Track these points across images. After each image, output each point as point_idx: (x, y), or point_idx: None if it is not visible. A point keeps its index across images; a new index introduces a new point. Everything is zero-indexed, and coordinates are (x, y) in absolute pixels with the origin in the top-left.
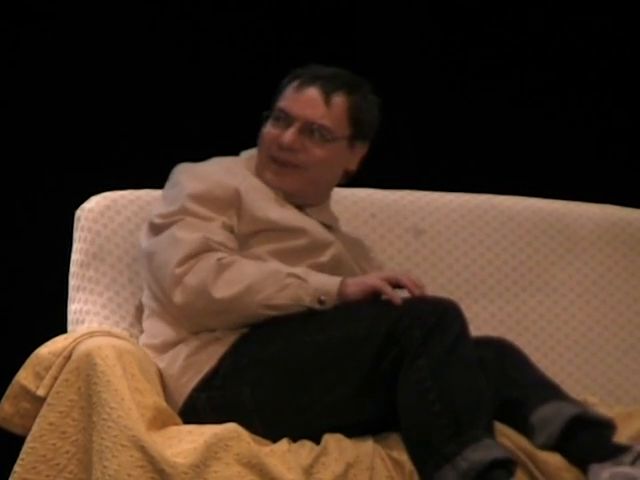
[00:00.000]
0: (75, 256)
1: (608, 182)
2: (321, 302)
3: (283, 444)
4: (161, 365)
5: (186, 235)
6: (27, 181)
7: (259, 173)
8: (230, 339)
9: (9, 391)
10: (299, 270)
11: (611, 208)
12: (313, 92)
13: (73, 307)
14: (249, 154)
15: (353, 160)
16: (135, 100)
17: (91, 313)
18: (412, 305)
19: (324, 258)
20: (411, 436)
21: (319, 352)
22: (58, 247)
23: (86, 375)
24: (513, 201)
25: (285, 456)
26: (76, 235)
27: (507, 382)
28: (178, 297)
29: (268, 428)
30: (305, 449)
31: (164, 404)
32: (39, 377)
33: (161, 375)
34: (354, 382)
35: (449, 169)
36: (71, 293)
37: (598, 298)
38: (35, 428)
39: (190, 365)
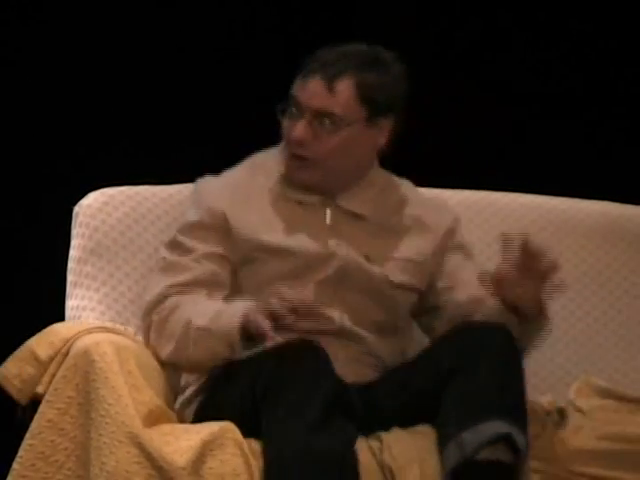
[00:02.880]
0: (73, 252)
1: (607, 179)
2: (234, 349)
3: None
4: None
5: (154, 282)
6: (25, 177)
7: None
8: None
9: (17, 352)
10: (209, 315)
11: (610, 205)
12: (316, 81)
13: (70, 303)
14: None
15: (379, 137)
16: (133, 96)
17: (87, 309)
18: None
19: (329, 271)
20: None
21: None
22: (56, 244)
23: (84, 372)
24: (511, 198)
25: None
26: (74, 231)
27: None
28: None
29: None
30: None
31: (159, 401)
32: (52, 346)
33: (163, 369)
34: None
35: (447, 166)
36: (69, 289)
37: (597, 295)
38: (33, 425)
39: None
